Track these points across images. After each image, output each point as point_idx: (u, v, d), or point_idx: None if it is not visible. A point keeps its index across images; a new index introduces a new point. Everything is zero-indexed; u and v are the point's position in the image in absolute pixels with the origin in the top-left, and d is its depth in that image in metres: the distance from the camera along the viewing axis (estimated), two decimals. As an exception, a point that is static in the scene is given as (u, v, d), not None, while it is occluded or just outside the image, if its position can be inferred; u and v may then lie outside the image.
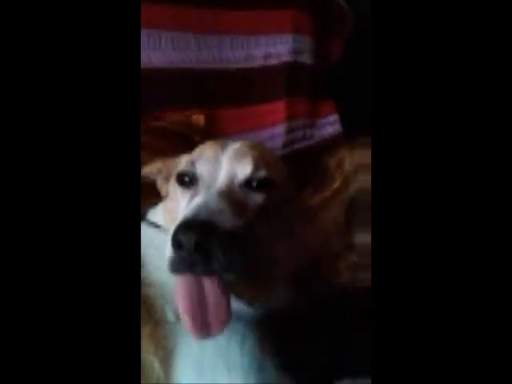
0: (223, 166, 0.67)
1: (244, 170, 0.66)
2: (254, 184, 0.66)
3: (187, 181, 0.69)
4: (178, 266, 0.55)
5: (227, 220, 0.56)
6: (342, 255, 0.76)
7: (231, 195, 0.62)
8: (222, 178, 0.65)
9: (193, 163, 0.69)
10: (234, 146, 0.71)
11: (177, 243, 0.53)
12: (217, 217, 0.55)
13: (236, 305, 0.64)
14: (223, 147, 0.71)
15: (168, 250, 0.56)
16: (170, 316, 0.61)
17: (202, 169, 0.67)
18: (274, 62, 1.40)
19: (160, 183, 0.83)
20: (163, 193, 0.82)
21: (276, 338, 0.64)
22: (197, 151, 0.75)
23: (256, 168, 0.66)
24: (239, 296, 0.64)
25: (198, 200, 0.59)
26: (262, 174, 0.67)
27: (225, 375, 0.57)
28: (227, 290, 0.57)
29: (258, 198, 0.65)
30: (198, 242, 0.52)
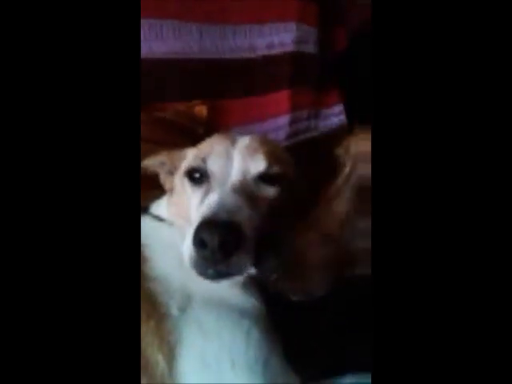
0: (235, 161, 0.67)
1: (257, 166, 0.67)
2: (267, 179, 0.67)
3: (198, 177, 0.69)
4: (200, 264, 0.56)
5: (247, 217, 0.58)
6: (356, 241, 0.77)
7: (245, 190, 0.63)
8: (234, 174, 0.66)
9: (203, 159, 0.69)
10: (245, 142, 0.71)
11: (200, 242, 0.54)
12: (237, 215, 0.57)
13: (240, 300, 0.64)
14: (233, 142, 0.71)
15: (188, 248, 0.57)
16: (175, 311, 0.61)
17: (213, 165, 0.68)
18: (277, 51, 1.38)
19: (163, 176, 0.82)
20: (167, 186, 0.81)
21: (281, 332, 0.64)
22: (205, 146, 0.74)
23: (269, 164, 0.67)
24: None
25: (215, 197, 0.60)
26: (275, 169, 0.68)
27: (229, 370, 0.57)
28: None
29: (271, 192, 0.66)
30: (221, 242, 0.53)
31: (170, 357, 0.58)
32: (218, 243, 0.53)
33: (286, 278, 0.66)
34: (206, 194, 0.64)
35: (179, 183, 0.75)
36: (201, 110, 1.17)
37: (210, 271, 0.56)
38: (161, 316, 0.61)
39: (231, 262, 0.55)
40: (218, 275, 0.57)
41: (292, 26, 1.40)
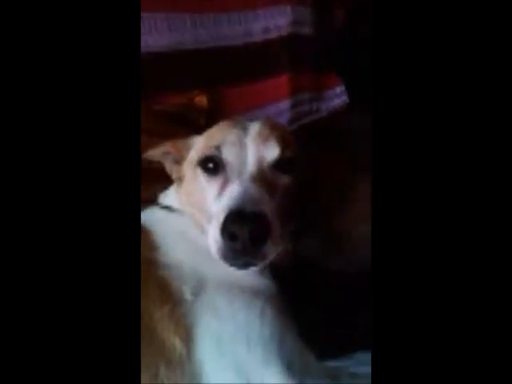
0: (249, 149, 0.67)
1: (272, 152, 0.67)
2: (282, 165, 0.67)
3: (212, 167, 0.68)
4: (230, 256, 0.58)
5: (270, 205, 0.59)
6: None
7: (263, 178, 0.64)
8: (251, 163, 0.66)
9: (218, 148, 0.68)
10: (256, 128, 0.71)
11: (230, 235, 0.55)
12: (261, 205, 0.58)
13: (253, 281, 0.65)
14: (244, 129, 0.70)
15: (216, 241, 0.58)
16: (188, 295, 0.62)
17: (228, 154, 0.67)
18: (273, 35, 1.37)
19: (169, 166, 0.82)
20: (174, 176, 0.81)
21: (295, 310, 0.64)
22: (215, 134, 0.73)
23: (283, 150, 0.68)
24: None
25: (236, 188, 0.61)
26: (288, 154, 0.68)
27: (245, 349, 0.57)
28: None
29: (285, 178, 0.67)
30: (252, 234, 0.54)
31: (188, 340, 0.59)
32: (249, 236, 0.54)
33: (328, 251, 0.70)
34: (224, 184, 0.64)
35: (190, 172, 0.74)
36: (201, 99, 1.17)
37: (240, 261, 0.58)
38: (175, 301, 0.61)
39: (261, 252, 0.56)
40: (248, 264, 0.59)
41: (287, 8, 1.39)
